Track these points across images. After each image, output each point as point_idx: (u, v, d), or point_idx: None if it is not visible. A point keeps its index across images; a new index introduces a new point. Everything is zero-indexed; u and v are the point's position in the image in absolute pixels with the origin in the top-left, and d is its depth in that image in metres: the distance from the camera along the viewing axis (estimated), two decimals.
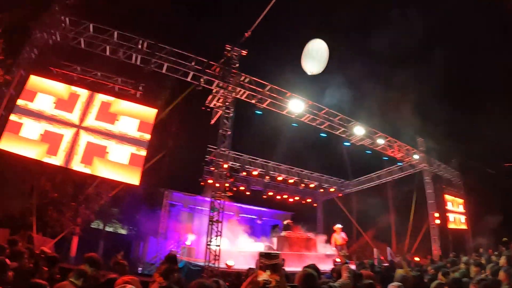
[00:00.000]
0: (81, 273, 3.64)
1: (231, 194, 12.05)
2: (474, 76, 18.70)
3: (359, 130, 14.19)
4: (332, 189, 19.89)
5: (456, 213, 18.77)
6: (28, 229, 12.10)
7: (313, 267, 3.92)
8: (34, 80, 9.88)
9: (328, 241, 14.87)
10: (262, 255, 1.54)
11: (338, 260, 12.33)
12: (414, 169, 17.05)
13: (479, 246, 14.74)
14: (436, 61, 17.40)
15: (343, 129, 14.23)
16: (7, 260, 3.61)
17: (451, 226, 17.77)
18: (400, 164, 17.25)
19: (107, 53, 10.86)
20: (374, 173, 18.92)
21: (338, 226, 14.24)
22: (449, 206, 18.18)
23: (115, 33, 10.67)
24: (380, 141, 15.10)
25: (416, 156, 16.43)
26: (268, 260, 1.50)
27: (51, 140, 9.45)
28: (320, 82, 13.69)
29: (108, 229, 16.22)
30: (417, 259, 15.14)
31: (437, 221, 16.53)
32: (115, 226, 16.75)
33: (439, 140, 17.06)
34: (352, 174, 20.09)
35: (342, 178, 20.49)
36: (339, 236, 14.00)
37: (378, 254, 14.30)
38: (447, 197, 18.26)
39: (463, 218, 19.10)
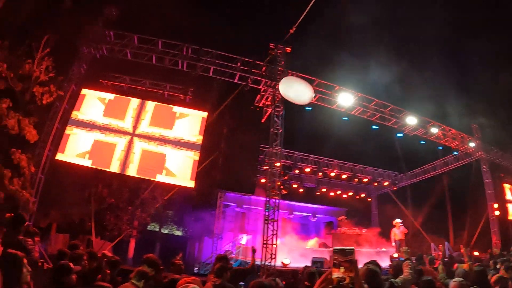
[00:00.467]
0: (143, 274, 3.69)
1: (286, 192, 11.96)
2: None
3: (411, 120, 13.61)
4: (386, 183, 19.22)
5: None
6: (87, 233, 12.75)
7: (375, 263, 3.87)
8: (86, 93, 10.47)
9: (388, 236, 14.52)
10: (336, 251, 1.48)
11: (395, 255, 11.97)
12: (470, 158, 16.05)
13: None
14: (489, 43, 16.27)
15: (394, 120, 13.72)
16: (71, 264, 3.73)
17: (511, 217, 16.59)
18: (456, 153, 16.31)
19: (154, 61, 11.22)
20: (428, 164, 18.03)
21: (398, 220, 13.92)
22: (508, 196, 16.98)
23: (159, 42, 11.00)
24: (434, 130, 14.37)
25: (471, 144, 15.47)
26: (342, 257, 1.45)
27: (105, 149, 9.90)
28: (368, 74, 13.31)
29: (164, 231, 16.72)
30: (476, 253, 14.29)
31: (497, 213, 15.49)
32: (171, 228, 17.23)
33: (495, 125, 15.94)
34: (406, 166, 19.37)
35: (396, 171, 19.74)
36: (399, 231, 13.63)
37: (444, 248, 13.66)
38: (506, 186, 17.06)
39: None
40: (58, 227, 13.24)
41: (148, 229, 16.04)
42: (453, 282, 3.66)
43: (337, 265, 1.44)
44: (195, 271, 14.42)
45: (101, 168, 10.12)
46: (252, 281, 3.44)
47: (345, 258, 1.44)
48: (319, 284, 1.45)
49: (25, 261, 2.51)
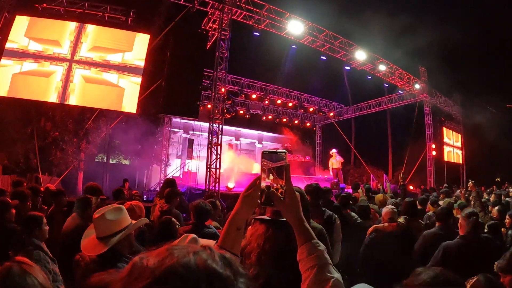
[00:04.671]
0: (84, 201, 3.87)
1: (229, 116, 12.08)
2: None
3: (360, 55, 13.84)
4: (331, 114, 19.50)
5: (453, 147, 19.00)
6: (34, 171, 12.27)
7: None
8: (20, 21, 9.46)
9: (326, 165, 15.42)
10: (265, 155, 1.16)
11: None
12: (414, 99, 16.88)
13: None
14: None
15: (344, 52, 13.86)
16: (8, 199, 3.84)
17: (446, 159, 18.09)
18: (401, 92, 17.05)
19: None
20: (373, 100, 18.62)
21: (334, 150, 14.73)
22: (446, 139, 18.36)
23: None
24: (382, 67, 14.77)
25: (417, 86, 16.20)
26: (271, 162, 1.14)
27: (42, 79, 9.31)
28: (321, 4, 13.09)
29: (112, 161, 16.42)
30: (411, 187, 15.63)
31: (434, 153, 16.78)
32: (118, 157, 16.94)
33: (442, 72, 16.63)
34: (352, 99, 19.78)
35: (342, 103, 20.03)
36: (336, 160, 14.46)
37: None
38: (445, 130, 18.35)
39: (459, 153, 19.37)
40: (4, 169, 12.51)
41: (96, 160, 15.71)
42: (385, 208, 4.03)
43: (266, 171, 1.14)
44: (144, 199, 14.66)
45: (42, 100, 9.56)
46: (192, 202, 3.60)
47: (275, 163, 1.14)
48: (245, 190, 1.17)
49: None
